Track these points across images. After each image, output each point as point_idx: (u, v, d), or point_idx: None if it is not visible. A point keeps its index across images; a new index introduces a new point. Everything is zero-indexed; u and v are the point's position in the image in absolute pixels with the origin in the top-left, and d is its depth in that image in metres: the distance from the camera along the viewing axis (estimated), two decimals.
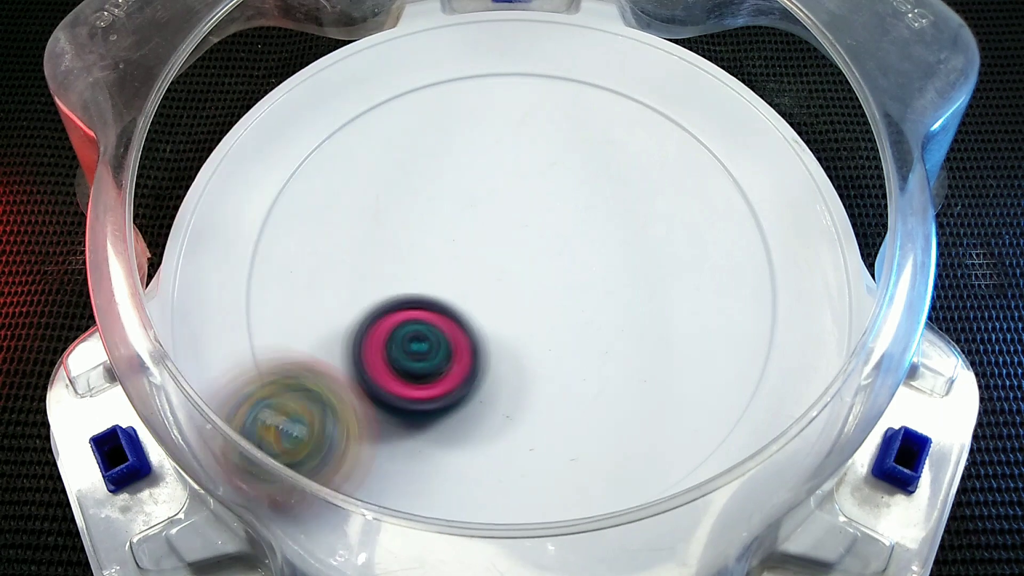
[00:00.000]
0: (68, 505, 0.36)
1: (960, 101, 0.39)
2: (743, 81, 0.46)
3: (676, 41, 0.48)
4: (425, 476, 0.37)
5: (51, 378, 0.37)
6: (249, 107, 0.46)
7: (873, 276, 0.41)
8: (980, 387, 0.37)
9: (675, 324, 0.40)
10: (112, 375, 0.37)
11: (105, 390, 0.37)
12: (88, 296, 0.35)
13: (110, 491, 0.35)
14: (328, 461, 0.34)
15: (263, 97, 0.46)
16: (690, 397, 0.38)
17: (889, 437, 0.36)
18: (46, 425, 0.37)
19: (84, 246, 0.37)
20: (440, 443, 0.37)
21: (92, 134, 0.39)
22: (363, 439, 0.35)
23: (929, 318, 0.35)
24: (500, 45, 0.48)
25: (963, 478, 0.36)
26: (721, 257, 0.41)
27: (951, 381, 0.37)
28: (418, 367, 0.36)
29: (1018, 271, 0.45)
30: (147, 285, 0.40)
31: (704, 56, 0.47)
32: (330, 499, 0.32)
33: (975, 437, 0.37)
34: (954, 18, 0.41)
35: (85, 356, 0.37)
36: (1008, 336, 0.43)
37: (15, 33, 0.53)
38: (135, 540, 0.34)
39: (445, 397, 0.37)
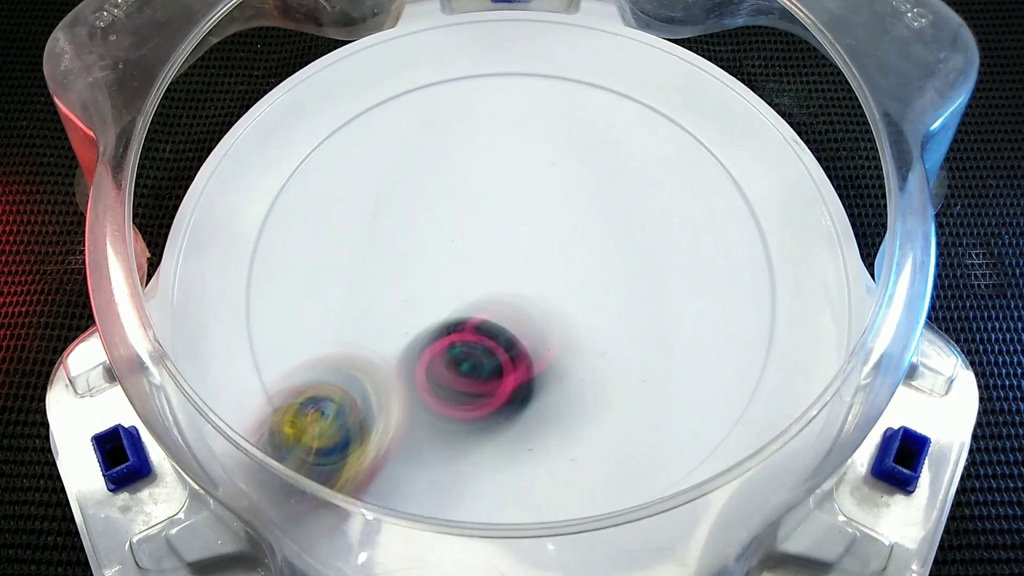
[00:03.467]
0: (68, 505, 0.36)
1: (960, 101, 0.39)
2: (743, 81, 0.46)
3: (676, 41, 0.48)
4: (425, 476, 0.37)
5: (51, 378, 0.37)
6: (248, 107, 0.46)
7: (873, 276, 0.41)
8: (979, 387, 0.37)
9: (674, 324, 0.40)
10: (111, 375, 0.37)
11: (105, 390, 0.37)
12: (87, 296, 0.35)
13: (110, 491, 0.35)
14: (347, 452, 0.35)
15: (262, 97, 0.46)
16: (689, 397, 0.38)
17: (888, 437, 0.36)
18: (46, 425, 0.37)
19: (83, 246, 0.36)
20: (440, 444, 0.37)
21: (91, 134, 0.39)
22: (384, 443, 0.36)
23: (928, 318, 0.35)
24: (500, 45, 0.48)
25: (962, 478, 0.36)
26: (720, 257, 0.41)
27: (950, 381, 0.37)
28: (465, 386, 0.37)
29: (1017, 271, 0.45)
30: (146, 285, 0.40)
31: (704, 56, 0.47)
32: (330, 499, 0.32)
33: (974, 437, 0.37)
34: (953, 18, 0.41)
35: (85, 356, 0.37)
36: (1007, 336, 0.43)
37: (15, 33, 0.53)
38: (135, 540, 0.34)
39: (493, 415, 0.37)
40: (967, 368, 0.37)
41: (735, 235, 0.42)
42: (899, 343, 0.34)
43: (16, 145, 0.49)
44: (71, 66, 0.40)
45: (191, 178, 0.43)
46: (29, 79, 0.51)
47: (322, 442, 0.35)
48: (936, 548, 0.34)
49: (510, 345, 0.38)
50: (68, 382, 0.37)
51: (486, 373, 0.37)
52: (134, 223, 0.38)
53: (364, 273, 0.41)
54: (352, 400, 0.36)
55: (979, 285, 0.44)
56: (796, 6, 0.42)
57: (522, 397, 0.37)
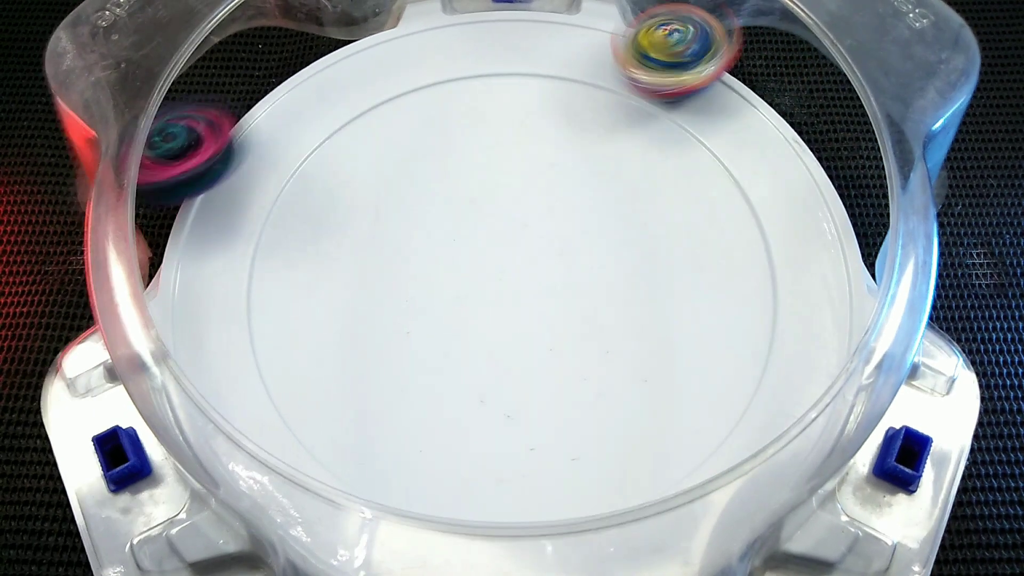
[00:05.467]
0: (68, 505, 0.35)
1: (961, 101, 0.39)
2: (744, 81, 0.46)
3: None
4: (427, 475, 0.37)
5: (45, 380, 0.37)
6: (250, 107, 0.46)
7: (873, 276, 0.41)
8: (981, 386, 0.37)
9: (676, 324, 0.40)
10: (112, 375, 0.36)
11: (106, 390, 0.37)
12: (88, 296, 0.35)
13: (111, 491, 0.35)
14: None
15: (264, 97, 0.46)
16: (691, 396, 0.38)
17: (890, 437, 0.36)
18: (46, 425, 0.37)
19: (84, 246, 0.36)
20: (442, 442, 0.37)
21: (93, 133, 0.39)
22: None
23: (930, 317, 0.35)
24: (500, 45, 0.48)
25: (964, 477, 0.36)
26: (721, 257, 0.41)
27: (952, 380, 0.37)
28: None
29: (1018, 271, 0.45)
30: (148, 285, 0.40)
31: None
32: (331, 498, 0.32)
33: (976, 436, 0.37)
34: (955, 18, 0.41)
35: (81, 357, 0.37)
36: (1008, 335, 0.43)
37: (15, 33, 0.53)
38: (136, 541, 0.34)
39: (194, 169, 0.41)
40: (968, 368, 0.37)
41: (736, 235, 0.42)
42: (901, 343, 0.34)
43: (17, 145, 0.49)
44: (73, 65, 0.40)
45: None
46: (30, 79, 0.51)
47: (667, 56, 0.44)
48: (938, 547, 0.34)
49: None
50: (65, 383, 0.37)
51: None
52: (135, 223, 0.37)
53: (365, 273, 0.41)
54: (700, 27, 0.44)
55: (980, 285, 0.44)
56: (797, 6, 0.42)
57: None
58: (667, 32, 0.44)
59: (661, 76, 0.44)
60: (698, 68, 0.44)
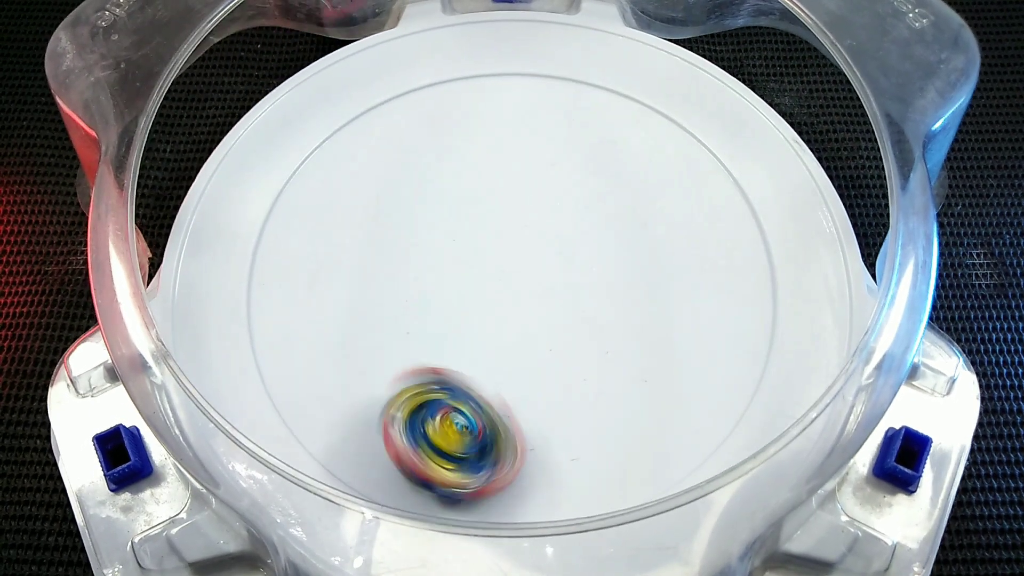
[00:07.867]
0: (68, 505, 0.35)
1: (961, 101, 0.39)
2: (743, 81, 0.46)
3: (676, 41, 0.48)
4: None
5: (52, 378, 0.37)
6: (249, 107, 0.46)
7: (873, 276, 0.41)
8: (981, 387, 0.37)
9: (676, 324, 0.40)
10: (113, 375, 0.37)
11: (106, 390, 0.37)
12: (89, 296, 0.35)
13: (111, 491, 0.35)
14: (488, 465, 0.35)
15: (264, 97, 0.46)
16: (691, 397, 0.38)
17: (890, 437, 0.36)
18: (47, 425, 0.37)
19: (85, 246, 0.36)
20: None
21: (93, 134, 0.39)
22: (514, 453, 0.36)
23: (930, 318, 0.35)
24: (500, 45, 0.48)
25: (964, 478, 0.36)
26: (721, 257, 0.41)
27: (952, 381, 0.37)
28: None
29: (1018, 271, 0.45)
30: (148, 285, 0.40)
31: (704, 56, 0.47)
32: (331, 498, 0.32)
33: (976, 437, 0.37)
34: (955, 18, 0.41)
35: (86, 356, 0.37)
36: (1009, 336, 0.43)
37: (15, 33, 0.53)
38: (136, 540, 0.34)
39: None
40: (968, 368, 0.37)
41: (736, 235, 0.42)
42: (901, 343, 0.34)
43: (17, 145, 0.49)
44: (73, 66, 0.40)
45: (192, 178, 0.43)
46: (30, 79, 0.51)
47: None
48: (938, 548, 0.34)
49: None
50: (69, 382, 0.37)
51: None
52: (135, 223, 0.37)
53: (365, 273, 0.41)
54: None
55: (980, 285, 0.44)
56: (797, 6, 0.42)
57: None
58: (452, 420, 0.35)
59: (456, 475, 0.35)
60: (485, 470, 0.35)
